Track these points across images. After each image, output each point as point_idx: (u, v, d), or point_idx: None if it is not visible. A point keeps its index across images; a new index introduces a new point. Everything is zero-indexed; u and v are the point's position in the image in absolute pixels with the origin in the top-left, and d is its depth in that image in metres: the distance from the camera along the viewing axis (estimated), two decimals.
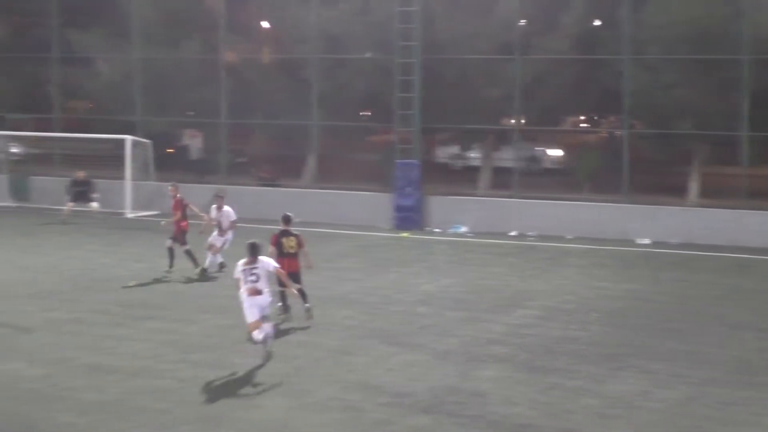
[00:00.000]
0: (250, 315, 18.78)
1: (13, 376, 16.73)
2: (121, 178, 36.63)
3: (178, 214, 26.29)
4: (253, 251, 19.31)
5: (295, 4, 38.10)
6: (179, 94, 40.05)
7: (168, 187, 27.62)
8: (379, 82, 37.05)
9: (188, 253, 26.16)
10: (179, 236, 26.24)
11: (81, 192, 35.87)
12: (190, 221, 26.38)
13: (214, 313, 22.03)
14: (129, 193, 36.16)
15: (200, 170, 40.20)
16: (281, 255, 21.28)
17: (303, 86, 37.90)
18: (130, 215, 35.56)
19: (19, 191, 38.82)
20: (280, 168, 40.44)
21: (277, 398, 16.17)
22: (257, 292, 19.06)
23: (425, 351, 19.16)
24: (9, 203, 38.72)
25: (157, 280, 25.35)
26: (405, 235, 33.87)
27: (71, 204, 35.63)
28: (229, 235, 26.36)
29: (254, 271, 19.33)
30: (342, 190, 37.24)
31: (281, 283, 20.55)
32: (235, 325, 20.90)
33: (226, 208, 26.38)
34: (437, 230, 34.90)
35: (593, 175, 37.47)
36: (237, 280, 19.34)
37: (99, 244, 30.96)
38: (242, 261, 19.23)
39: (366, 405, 15.82)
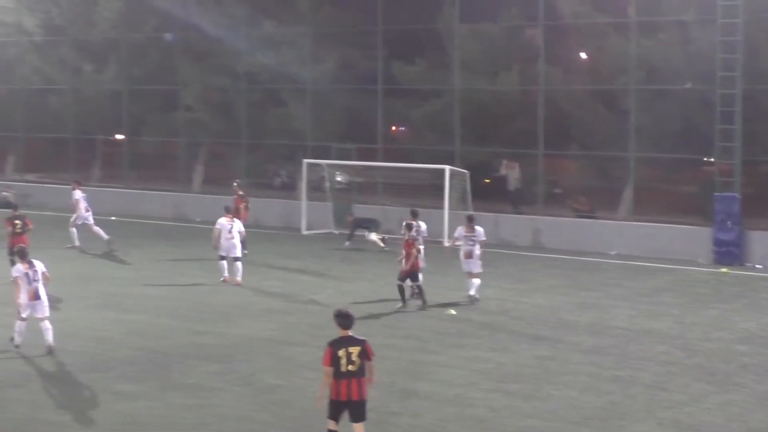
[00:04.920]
0: (465, 266, 26.12)
1: None
2: (440, 207, 37.35)
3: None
4: (471, 221, 26.39)
5: (615, 35, 37.83)
6: (497, 124, 40.47)
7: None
8: (699, 114, 36.22)
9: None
10: None
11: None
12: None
13: (531, 343, 22.16)
14: (447, 222, 36.78)
15: (517, 201, 40.45)
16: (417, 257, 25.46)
17: (620, 117, 37.54)
18: (446, 244, 36.18)
19: (343, 219, 40.22)
20: (596, 199, 40.17)
21: None
22: (470, 256, 26.08)
23: (745, 391, 18.61)
24: (333, 230, 40.18)
25: (472, 309, 25.70)
26: (724, 270, 32.90)
27: None
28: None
29: (473, 237, 26.10)
30: (659, 222, 36.59)
31: (401, 278, 25.38)
32: (551, 356, 20.99)
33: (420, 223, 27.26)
34: (759, 266, 33.72)
35: None
36: (454, 239, 26.69)
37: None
38: (464, 228, 26.22)
39: None
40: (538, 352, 21.36)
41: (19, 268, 21.07)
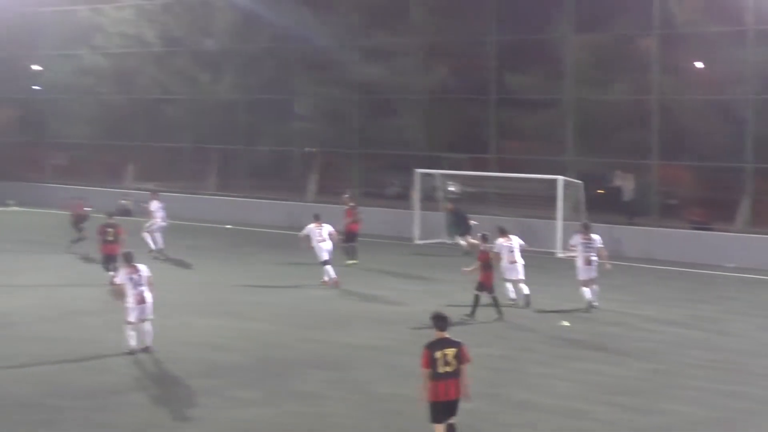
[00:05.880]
0: (584, 274, 26.37)
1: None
2: (553, 218, 37.19)
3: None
4: (587, 228, 26.91)
5: (731, 44, 37.27)
6: (610, 134, 40.15)
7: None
8: None
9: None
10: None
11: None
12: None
13: (645, 356, 21.96)
14: (560, 233, 36.60)
15: (631, 212, 40.04)
16: (486, 269, 25.36)
17: (737, 127, 36.97)
18: (560, 255, 36.01)
19: (454, 230, 40.17)
20: (712, 211, 39.55)
21: None
22: (589, 262, 26.35)
23: None
24: (445, 240, 40.20)
25: (586, 321, 25.55)
26: None
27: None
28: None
29: (590, 244, 26.54)
30: None
31: (479, 288, 25.24)
32: (665, 370, 20.78)
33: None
34: None
35: None
36: (573, 248, 26.92)
37: (528, 282, 31.43)
38: (581, 236, 26.63)
39: None
40: (652, 365, 21.16)
41: (124, 273, 21.56)
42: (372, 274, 32.51)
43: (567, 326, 24.84)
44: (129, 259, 21.94)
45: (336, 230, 31.10)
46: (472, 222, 38.03)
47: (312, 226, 30.32)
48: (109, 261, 29.46)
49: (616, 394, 18.88)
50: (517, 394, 18.84)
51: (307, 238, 30.16)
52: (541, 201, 38.28)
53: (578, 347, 22.78)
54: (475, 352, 21.68)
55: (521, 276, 27.19)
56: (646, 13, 38.13)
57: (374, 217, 41.14)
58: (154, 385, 19.45)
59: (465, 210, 39.40)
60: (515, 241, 27.44)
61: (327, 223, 30.67)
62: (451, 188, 43.60)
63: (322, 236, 30.03)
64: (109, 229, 29.87)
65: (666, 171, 39.87)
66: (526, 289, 27.14)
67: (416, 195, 41.12)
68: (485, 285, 25.37)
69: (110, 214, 31.11)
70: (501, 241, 27.28)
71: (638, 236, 37.92)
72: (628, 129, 39.87)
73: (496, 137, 42.41)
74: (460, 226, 38.24)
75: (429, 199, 41.66)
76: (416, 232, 40.54)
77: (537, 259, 35.87)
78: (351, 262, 33.95)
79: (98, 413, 17.52)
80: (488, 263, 25.48)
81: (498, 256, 26.76)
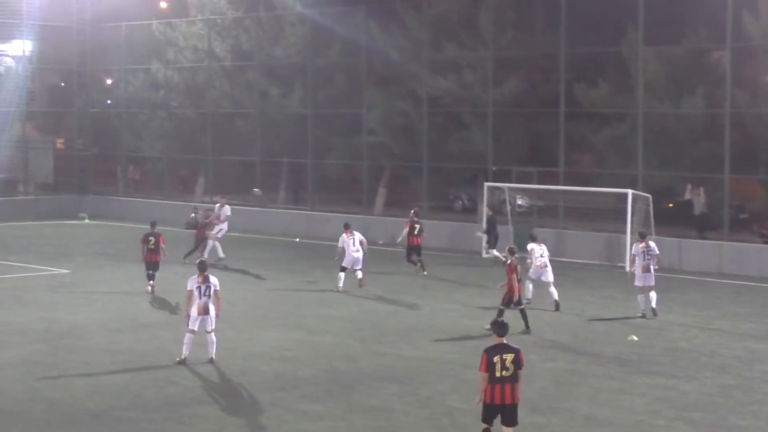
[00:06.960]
0: (641, 281, 27.12)
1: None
2: (622, 232, 36.92)
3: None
4: (644, 237, 27.70)
5: None
6: (681, 148, 39.78)
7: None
8: None
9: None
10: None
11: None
12: None
13: (716, 371, 21.75)
14: (629, 247, 36.29)
15: (701, 226, 39.64)
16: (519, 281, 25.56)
17: None
18: (629, 269, 35.67)
19: (523, 243, 39.98)
20: None
21: None
22: (648, 270, 26.99)
23: None
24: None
25: (655, 335, 25.35)
26: None
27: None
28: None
29: (650, 252, 27.34)
30: None
31: (504, 303, 25.39)
32: (737, 386, 20.56)
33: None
34: None
35: None
36: (633, 257, 27.60)
37: (597, 296, 31.36)
38: (640, 244, 27.30)
39: None
40: (722, 381, 20.95)
41: (194, 280, 21.74)
42: (439, 288, 32.49)
43: (635, 340, 24.67)
44: (202, 268, 22.08)
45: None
46: (479, 232, 38.10)
47: (344, 236, 31.33)
48: (149, 269, 30.48)
49: (686, 410, 18.71)
50: (583, 408, 18.74)
51: (343, 250, 31.14)
52: (611, 215, 38.06)
53: (647, 361, 22.61)
54: (541, 366, 21.80)
55: (551, 279, 28.47)
56: (718, 26, 37.72)
57: (442, 231, 41.15)
58: (222, 398, 19.60)
59: (499, 221, 39.64)
60: (545, 248, 29.00)
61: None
62: (520, 201, 43.48)
63: (355, 246, 31.11)
64: (151, 238, 30.56)
65: (738, 185, 39.43)
66: (555, 294, 28.38)
67: (485, 209, 40.98)
68: (510, 298, 25.42)
69: (153, 224, 31.54)
70: (533, 245, 28.86)
71: (709, 250, 37.49)
72: (699, 142, 39.48)
73: (565, 150, 42.15)
74: (490, 234, 38.29)
75: (498, 213, 41.52)
76: (484, 245, 40.43)
77: (606, 273, 35.76)
78: (424, 273, 34.23)
79: (167, 425, 17.71)
80: (517, 276, 25.52)
81: (528, 263, 28.39)
